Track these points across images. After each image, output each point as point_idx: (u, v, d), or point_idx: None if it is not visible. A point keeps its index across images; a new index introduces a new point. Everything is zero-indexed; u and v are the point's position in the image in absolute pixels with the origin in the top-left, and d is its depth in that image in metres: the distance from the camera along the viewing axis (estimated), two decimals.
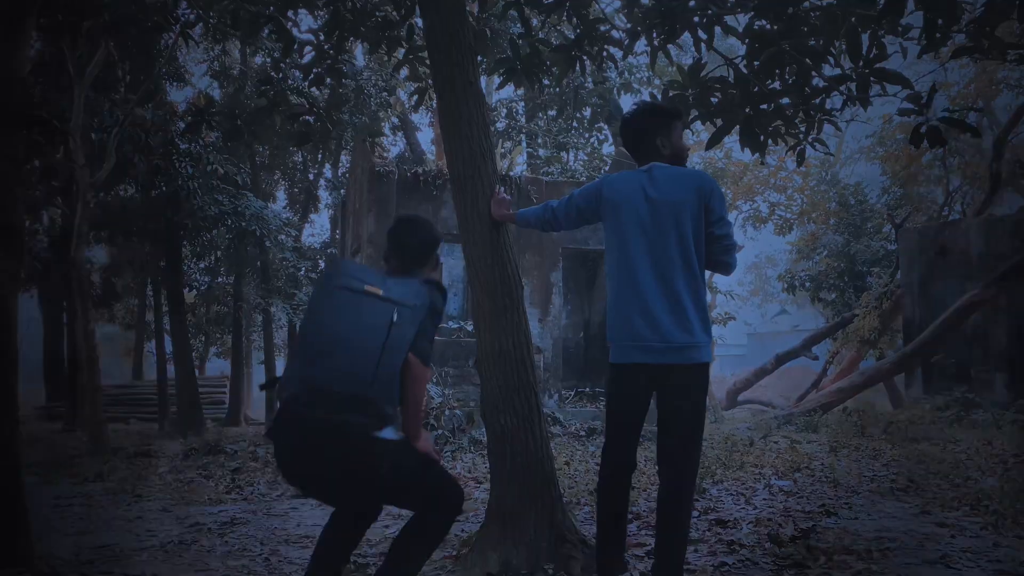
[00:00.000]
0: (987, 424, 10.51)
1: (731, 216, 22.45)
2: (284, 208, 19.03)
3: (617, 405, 3.32)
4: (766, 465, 7.50)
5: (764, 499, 5.86)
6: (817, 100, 4.53)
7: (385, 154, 18.61)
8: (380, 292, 2.70)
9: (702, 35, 4.59)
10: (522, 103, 17.41)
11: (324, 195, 19.22)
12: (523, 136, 17.80)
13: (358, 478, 2.69)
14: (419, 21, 5.49)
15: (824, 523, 4.89)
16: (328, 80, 6.46)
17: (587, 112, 17.45)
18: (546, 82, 6.11)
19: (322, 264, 17.69)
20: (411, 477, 2.77)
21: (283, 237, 15.10)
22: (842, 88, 4.23)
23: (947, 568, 3.89)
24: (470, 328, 10.22)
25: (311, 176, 19.06)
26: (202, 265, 18.10)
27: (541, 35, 6.88)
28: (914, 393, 13.91)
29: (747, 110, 4.45)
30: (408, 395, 2.73)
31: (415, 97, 6.52)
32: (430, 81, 5.96)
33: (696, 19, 4.54)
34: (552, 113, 17.04)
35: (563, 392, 11.94)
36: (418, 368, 2.73)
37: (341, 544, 2.96)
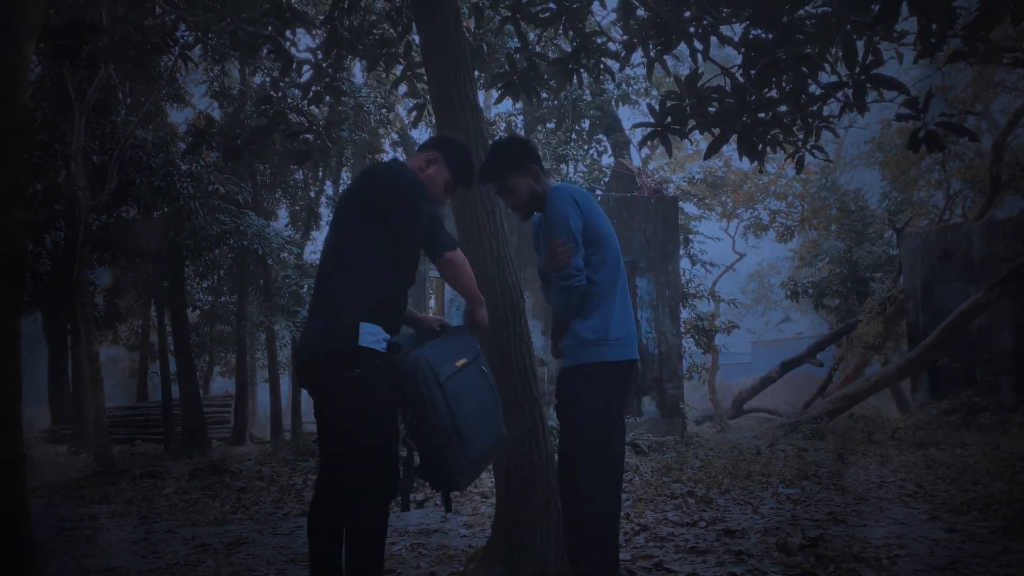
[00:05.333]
0: (994, 427, 10.47)
1: (732, 224, 22.13)
2: (286, 226, 19.05)
3: (618, 406, 3.30)
4: (773, 473, 7.48)
5: (772, 508, 5.84)
6: (814, 107, 4.54)
7: None
8: (465, 361, 2.99)
9: (698, 45, 4.61)
10: (521, 116, 17.48)
11: (325, 212, 19.26)
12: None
13: None
14: (416, 38, 5.53)
15: (833, 531, 4.87)
16: (327, 98, 6.48)
17: (586, 124, 17.52)
18: (544, 95, 6.14)
19: None
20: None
21: (285, 255, 15.11)
22: (839, 95, 4.23)
23: (957, 574, 3.87)
24: None
25: (312, 194, 19.10)
26: (205, 284, 18.11)
27: (538, 49, 6.92)
28: (920, 398, 13.87)
29: (745, 119, 4.46)
30: None
31: (414, 113, 6.54)
32: (428, 97, 5.99)
33: (691, 30, 4.55)
34: (551, 126, 17.10)
35: None
36: None
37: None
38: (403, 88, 6.31)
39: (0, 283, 3.08)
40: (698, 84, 4.54)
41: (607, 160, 17.76)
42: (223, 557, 4.88)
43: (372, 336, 2.82)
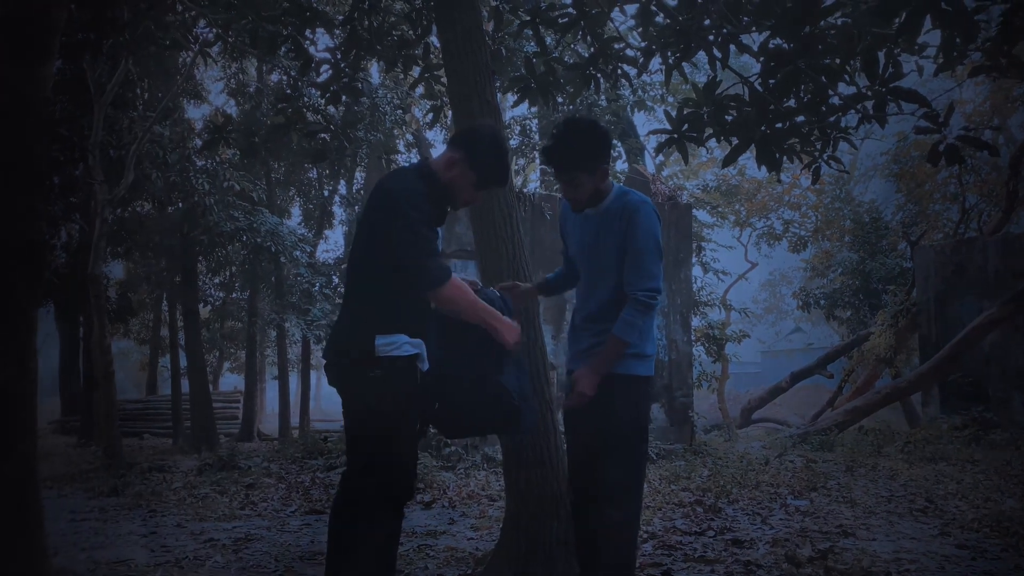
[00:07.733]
0: (1006, 444, 10.38)
1: (745, 233, 22.01)
2: (299, 224, 19.14)
3: (646, 418, 3.26)
4: (782, 484, 7.43)
5: (780, 519, 5.81)
6: (833, 118, 4.52)
7: None
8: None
9: (717, 53, 4.60)
10: (535, 120, 17.49)
11: (339, 211, 19.36)
12: (536, 153, 17.86)
13: None
14: (435, 40, 5.54)
15: (842, 544, 4.84)
16: (344, 98, 6.50)
17: None
18: (560, 100, 6.13)
19: (336, 279, 17.76)
20: None
21: (298, 253, 15.18)
22: (858, 106, 4.22)
23: None
24: None
25: (326, 192, 19.18)
26: (217, 280, 18.22)
27: (556, 54, 6.92)
28: (931, 412, 13.78)
29: (763, 128, 4.45)
30: None
31: (430, 115, 6.57)
32: (446, 99, 5.99)
33: (711, 37, 4.54)
34: None
35: None
36: None
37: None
38: (420, 89, 6.32)
39: (19, 272, 3.10)
40: (716, 92, 4.52)
41: (621, 166, 17.75)
42: (231, 553, 4.90)
43: (390, 346, 2.82)
